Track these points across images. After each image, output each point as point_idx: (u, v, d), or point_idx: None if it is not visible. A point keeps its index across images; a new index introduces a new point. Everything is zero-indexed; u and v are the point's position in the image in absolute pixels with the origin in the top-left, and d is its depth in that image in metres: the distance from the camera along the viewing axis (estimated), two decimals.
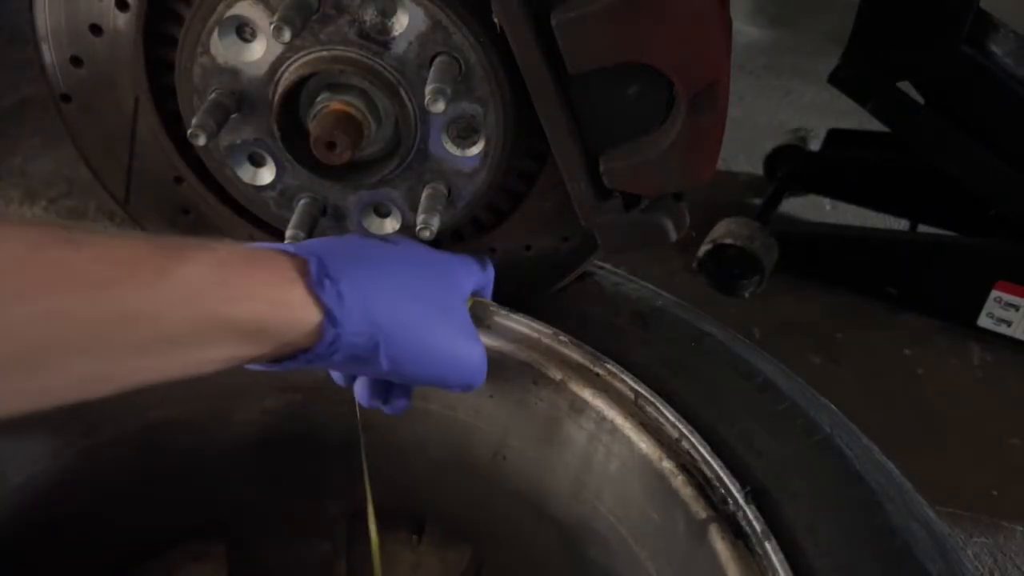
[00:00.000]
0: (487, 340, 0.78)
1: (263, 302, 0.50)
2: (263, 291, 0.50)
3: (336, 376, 0.69)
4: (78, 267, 0.41)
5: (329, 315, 0.53)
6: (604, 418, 0.74)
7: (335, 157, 0.66)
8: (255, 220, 0.81)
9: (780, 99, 2.42)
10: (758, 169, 2.02)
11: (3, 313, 0.38)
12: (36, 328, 0.39)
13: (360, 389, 0.69)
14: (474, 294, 0.73)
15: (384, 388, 0.69)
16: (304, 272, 0.53)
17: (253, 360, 0.52)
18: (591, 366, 0.76)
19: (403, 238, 0.71)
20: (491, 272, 0.76)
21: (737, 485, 0.66)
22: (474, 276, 0.72)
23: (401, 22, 0.64)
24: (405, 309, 0.58)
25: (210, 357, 0.49)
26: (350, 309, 0.54)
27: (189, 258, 0.47)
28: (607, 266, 0.89)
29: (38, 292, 0.39)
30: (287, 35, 0.61)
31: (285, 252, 0.54)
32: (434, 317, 0.61)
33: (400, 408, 0.70)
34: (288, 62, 0.67)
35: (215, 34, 0.66)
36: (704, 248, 1.64)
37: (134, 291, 0.43)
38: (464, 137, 0.70)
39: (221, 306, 0.48)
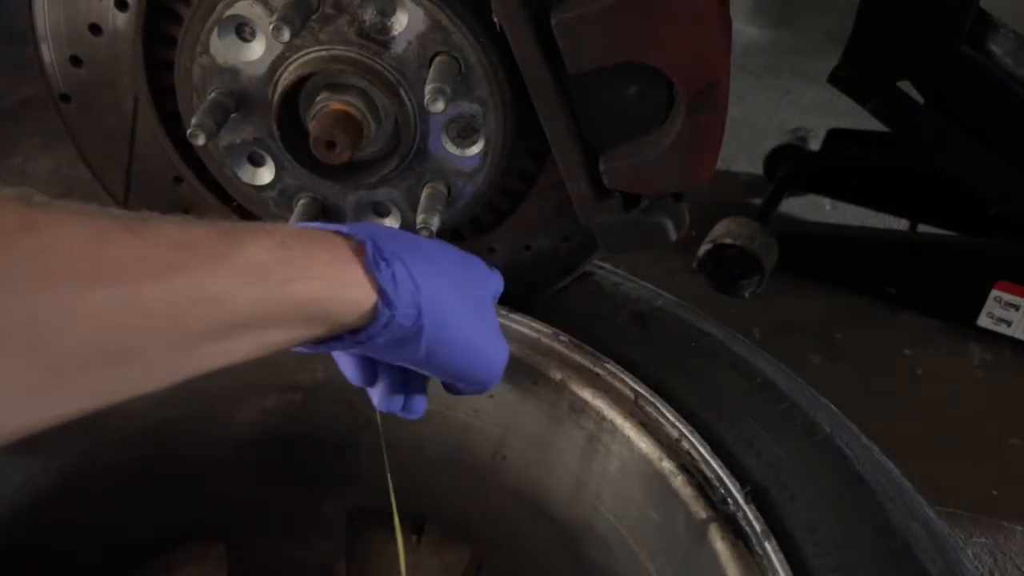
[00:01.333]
0: None
1: (325, 281, 0.50)
2: (324, 271, 0.50)
3: (352, 376, 0.68)
4: (145, 255, 0.41)
5: (384, 296, 0.53)
6: (604, 418, 0.74)
7: (335, 157, 0.66)
8: (255, 220, 0.81)
9: (780, 99, 2.42)
10: (758, 169, 2.02)
11: (82, 303, 0.37)
12: (114, 316, 0.39)
13: (376, 392, 0.68)
14: None
15: (401, 388, 0.69)
16: (361, 252, 0.53)
17: (307, 341, 0.52)
18: (591, 366, 0.76)
19: (433, 236, 0.71)
20: (501, 281, 0.75)
21: (737, 485, 0.66)
22: (496, 282, 0.72)
23: (400, 22, 0.64)
24: (449, 299, 0.58)
25: (273, 339, 0.49)
26: (402, 292, 0.54)
27: (248, 240, 0.46)
28: (607, 266, 0.89)
29: (113, 281, 0.39)
30: (286, 35, 0.61)
31: (340, 233, 0.54)
32: (472, 311, 0.62)
33: (418, 410, 0.69)
34: (288, 62, 0.67)
35: (214, 34, 0.66)
36: (704, 248, 1.64)
37: (201, 274, 0.43)
38: (464, 137, 0.70)
39: (285, 286, 0.47)
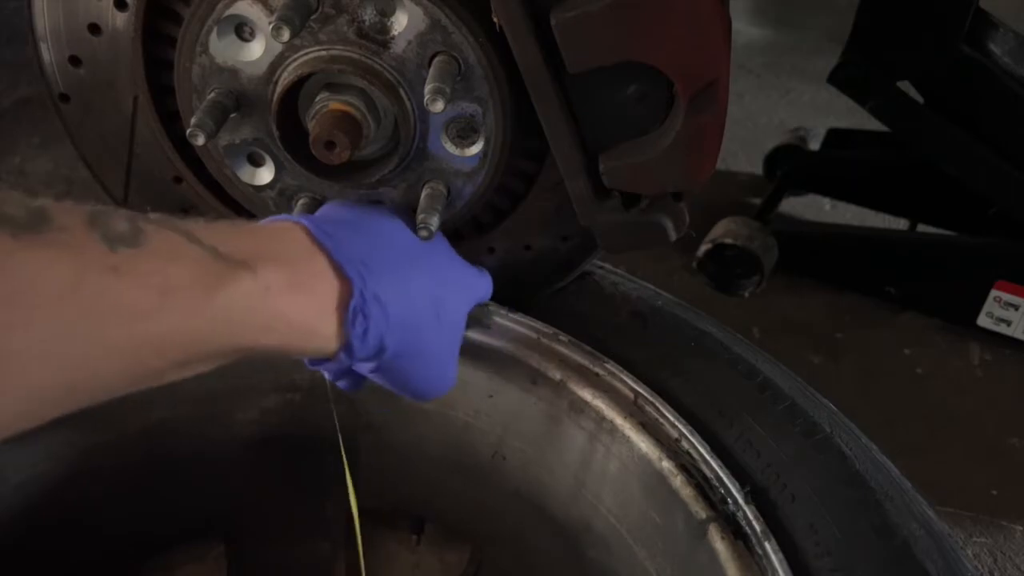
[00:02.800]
0: (487, 340, 0.78)
1: (298, 334, 0.52)
2: (301, 323, 0.52)
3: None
4: (119, 298, 0.41)
5: (348, 349, 0.54)
6: (604, 418, 0.74)
7: (334, 157, 0.66)
8: (254, 219, 0.81)
9: (780, 98, 2.42)
10: (758, 168, 2.02)
11: (45, 348, 0.38)
12: (81, 356, 0.40)
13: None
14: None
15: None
16: (344, 304, 0.54)
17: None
18: (591, 366, 0.76)
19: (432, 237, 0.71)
20: (490, 286, 0.77)
21: (737, 485, 0.66)
22: (482, 289, 0.73)
23: (400, 21, 0.64)
24: (419, 330, 0.60)
25: (223, 363, 0.50)
26: (367, 345, 0.55)
27: (231, 283, 0.47)
28: (607, 265, 0.89)
29: (78, 326, 0.39)
30: (286, 35, 0.60)
31: (332, 269, 0.54)
32: (440, 337, 0.63)
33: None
34: (287, 62, 0.67)
35: (214, 33, 0.66)
36: (704, 248, 1.64)
37: (174, 322, 0.44)
38: (463, 137, 0.70)
39: (257, 336, 0.49)
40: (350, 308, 0.53)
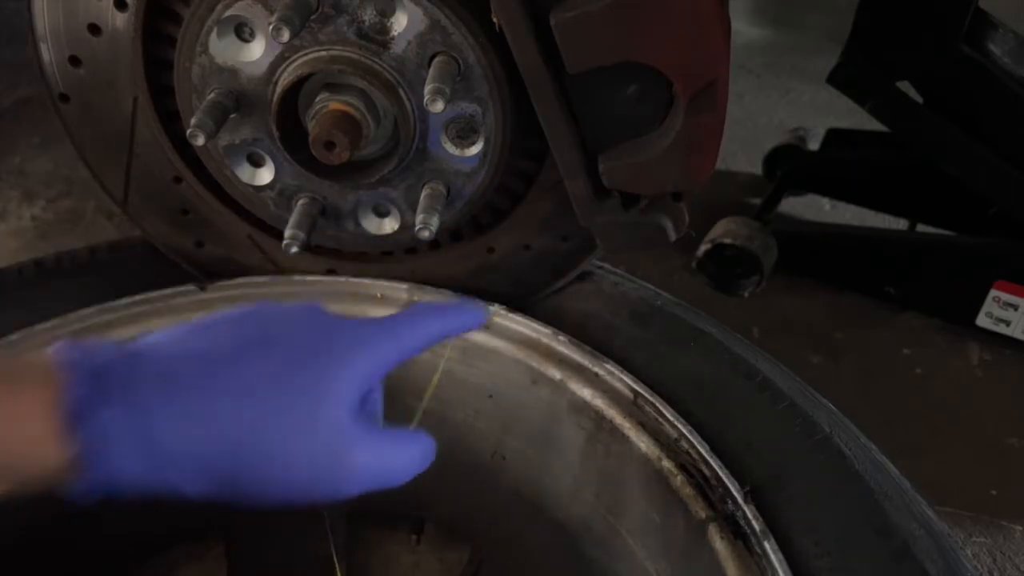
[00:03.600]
0: (487, 340, 0.78)
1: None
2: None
3: None
4: None
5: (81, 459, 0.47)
6: (603, 418, 0.74)
7: (334, 157, 0.66)
8: (254, 220, 0.81)
9: (779, 98, 2.42)
10: (757, 168, 2.02)
11: None
12: None
13: None
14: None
15: None
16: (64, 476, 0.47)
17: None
18: (590, 366, 0.76)
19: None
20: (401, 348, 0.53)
21: (736, 485, 0.66)
22: (360, 366, 0.50)
23: (400, 22, 0.64)
24: (232, 436, 0.49)
25: None
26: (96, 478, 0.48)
27: None
28: (606, 265, 0.89)
29: None
30: (286, 35, 0.60)
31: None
32: (282, 434, 0.49)
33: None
34: (287, 62, 0.67)
35: (214, 34, 0.66)
36: (703, 248, 1.64)
37: None
38: (463, 137, 0.70)
39: None
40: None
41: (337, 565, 0.92)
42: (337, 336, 0.51)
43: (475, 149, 0.70)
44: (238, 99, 0.69)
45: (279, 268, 0.84)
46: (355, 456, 0.49)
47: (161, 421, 0.47)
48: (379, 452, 0.51)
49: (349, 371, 0.49)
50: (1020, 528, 1.28)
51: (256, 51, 0.67)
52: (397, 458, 0.52)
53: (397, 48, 0.65)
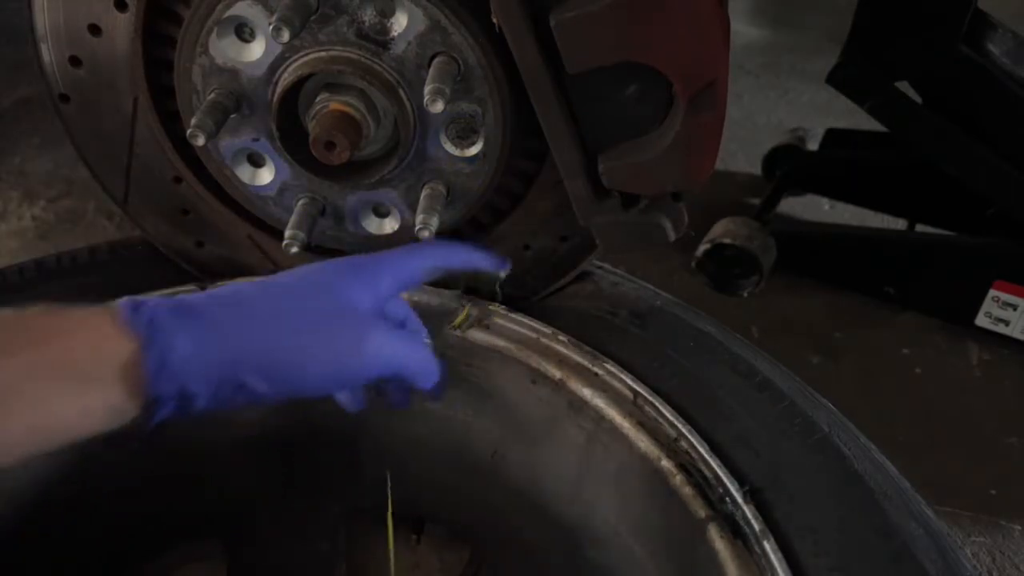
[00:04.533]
0: (487, 340, 0.78)
1: (71, 412, 0.50)
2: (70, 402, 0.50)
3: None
4: None
5: (151, 404, 0.52)
6: (603, 417, 0.74)
7: (334, 157, 0.66)
8: (254, 220, 0.81)
9: (778, 99, 2.42)
10: (757, 169, 2.02)
11: None
12: None
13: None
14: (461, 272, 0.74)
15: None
16: (138, 364, 0.51)
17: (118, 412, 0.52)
18: (590, 365, 0.76)
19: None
20: (428, 261, 0.67)
21: (736, 484, 0.66)
22: (385, 275, 0.63)
23: (400, 22, 0.64)
24: (266, 333, 0.57)
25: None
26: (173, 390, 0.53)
27: None
28: (606, 265, 0.89)
29: None
30: (286, 35, 0.61)
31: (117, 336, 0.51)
32: (308, 328, 0.59)
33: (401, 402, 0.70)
34: (287, 62, 0.67)
35: (214, 34, 0.66)
36: (703, 248, 1.64)
37: None
38: (463, 137, 0.70)
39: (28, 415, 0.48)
40: (145, 374, 0.51)
41: (337, 565, 0.92)
42: (352, 262, 0.63)
43: (475, 149, 0.70)
44: (238, 99, 0.69)
45: (279, 268, 0.85)
46: (372, 340, 0.59)
47: (218, 333, 0.55)
48: (395, 342, 0.61)
49: (367, 278, 0.62)
50: (1019, 527, 1.28)
51: (256, 51, 0.67)
52: (412, 353, 0.62)
53: (397, 48, 0.65)
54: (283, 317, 0.58)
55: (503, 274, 0.74)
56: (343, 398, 0.69)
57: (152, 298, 0.55)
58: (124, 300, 0.53)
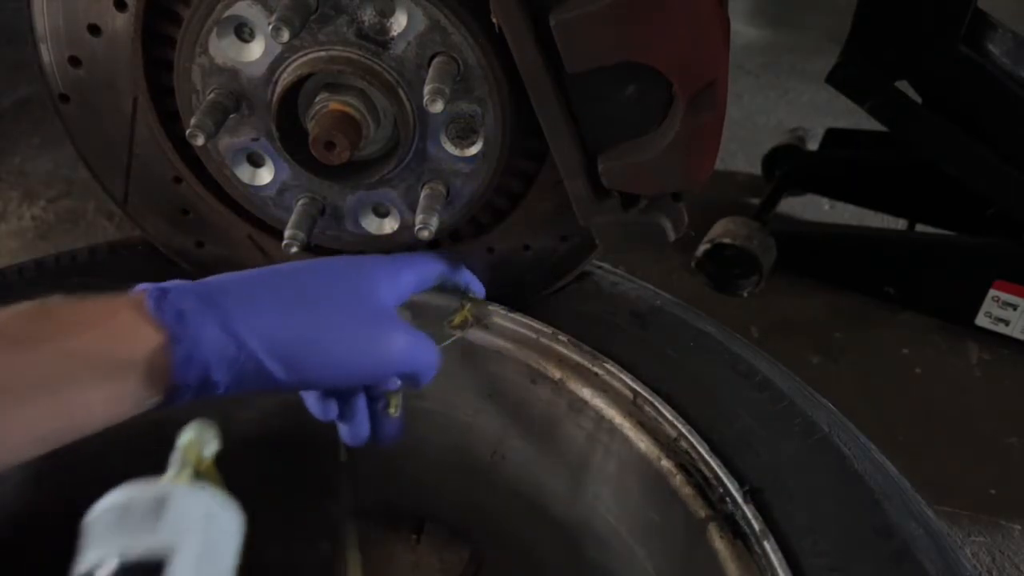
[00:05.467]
0: (487, 340, 0.79)
1: (96, 403, 0.51)
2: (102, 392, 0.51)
3: (313, 410, 0.69)
4: None
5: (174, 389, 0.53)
6: (603, 417, 0.74)
7: (334, 157, 0.66)
8: (254, 220, 0.81)
9: (778, 99, 2.42)
10: (756, 168, 2.02)
11: None
12: None
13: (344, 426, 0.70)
14: (444, 285, 0.76)
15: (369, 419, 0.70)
16: (164, 355, 0.52)
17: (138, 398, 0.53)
18: (590, 365, 0.76)
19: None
20: (440, 266, 0.74)
21: (736, 484, 0.66)
22: (405, 274, 0.68)
23: (400, 22, 0.64)
24: (289, 321, 0.58)
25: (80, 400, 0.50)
26: (200, 340, 0.53)
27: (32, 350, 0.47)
28: (606, 265, 0.89)
29: None
30: (286, 35, 0.61)
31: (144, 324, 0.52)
32: (332, 319, 0.60)
33: (391, 436, 0.72)
34: (287, 62, 0.67)
35: (213, 34, 0.66)
36: (702, 247, 1.64)
37: None
38: (463, 137, 0.70)
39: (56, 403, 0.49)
40: (173, 357, 0.52)
41: (337, 565, 0.92)
42: (373, 259, 0.67)
43: (475, 149, 0.70)
44: (238, 99, 0.69)
45: None
46: (394, 335, 0.61)
47: (241, 318, 0.55)
48: (412, 340, 0.62)
49: (384, 278, 0.64)
50: (1019, 527, 1.28)
51: (256, 51, 0.67)
52: (425, 353, 0.64)
53: (397, 48, 0.65)
54: (311, 305, 0.59)
55: (471, 295, 0.78)
56: (314, 406, 0.68)
57: (176, 283, 0.55)
58: (148, 287, 0.53)
